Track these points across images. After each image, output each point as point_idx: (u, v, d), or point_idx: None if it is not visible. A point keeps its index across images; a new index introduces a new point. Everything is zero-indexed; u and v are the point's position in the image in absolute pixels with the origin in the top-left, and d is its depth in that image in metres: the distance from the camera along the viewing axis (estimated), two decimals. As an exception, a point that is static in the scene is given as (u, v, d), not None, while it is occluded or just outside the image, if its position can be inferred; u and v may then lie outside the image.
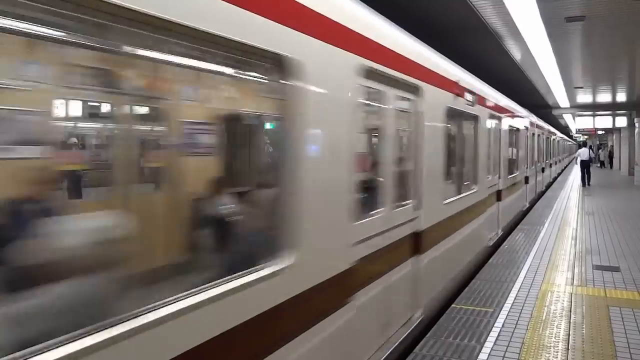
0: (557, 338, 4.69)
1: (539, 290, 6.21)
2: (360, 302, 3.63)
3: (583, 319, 5.21)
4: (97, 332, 1.75)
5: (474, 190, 7.43)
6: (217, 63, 2.60)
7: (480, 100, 7.73)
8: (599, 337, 4.72)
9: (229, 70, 2.78)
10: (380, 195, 4.17)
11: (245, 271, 2.49)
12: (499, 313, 5.36)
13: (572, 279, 6.75)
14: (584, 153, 22.66)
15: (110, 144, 2.67)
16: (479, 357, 4.28)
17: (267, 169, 3.51)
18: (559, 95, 20.62)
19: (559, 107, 26.11)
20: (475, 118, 7.60)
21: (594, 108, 25.83)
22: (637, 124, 24.65)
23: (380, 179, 4.20)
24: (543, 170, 19.26)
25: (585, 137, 52.33)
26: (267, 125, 3.63)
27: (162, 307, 2.01)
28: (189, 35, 2.17)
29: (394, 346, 4.32)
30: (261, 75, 2.90)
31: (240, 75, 2.90)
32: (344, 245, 3.42)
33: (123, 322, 1.84)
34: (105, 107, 3.36)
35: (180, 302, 2.08)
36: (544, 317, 5.23)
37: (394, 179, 4.37)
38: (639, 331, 4.88)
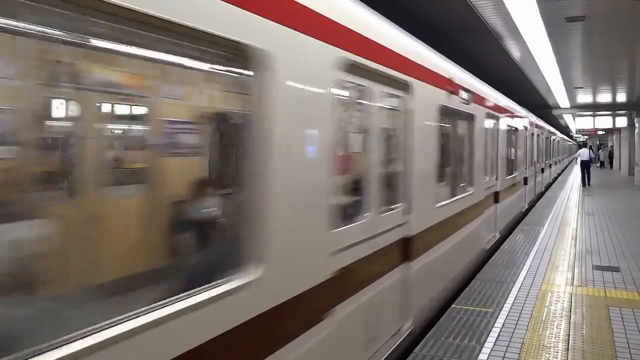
0: (557, 338, 4.69)
1: (539, 290, 6.21)
2: (341, 316, 3.35)
3: (583, 319, 5.20)
4: None
5: (470, 192, 7.17)
6: (168, 52, 2.28)
7: (477, 98, 7.51)
8: (599, 338, 4.71)
9: (181, 61, 2.45)
10: (365, 199, 3.90)
11: (198, 289, 2.18)
12: (499, 313, 5.35)
13: (572, 279, 6.75)
14: (584, 153, 22.73)
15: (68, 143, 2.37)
16: (479, 358, 4.28)
17: (230, 171, 3.15)
18: (559, 95, 20.62)
19: (559, 107, 26.10)
20: (471, 117, 7.35)
21: (594, 108, 25.84)
22: (637, 124, 24.67)
23: (366, 182, 3.93)
24: (542, 170, 19.12)
25: (585, 137, 52.41)
26: (230, 123, 3.24)
27: (99, 331, 1.75)
28: (131, 19, 1.88)
29: None
30: (221, 67, 2.59)
31: (194, 67, 2.56)
32: (322, 255, 3.12)
33: (52, 349, 1.60)
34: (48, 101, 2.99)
35: (117, 326, 1.81)
36: (544, 318, 5.23)
37: (381, 182, 4.10)
38: (639, 331, 4.88)
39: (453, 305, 5.61)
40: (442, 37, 9.15)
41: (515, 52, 11.80)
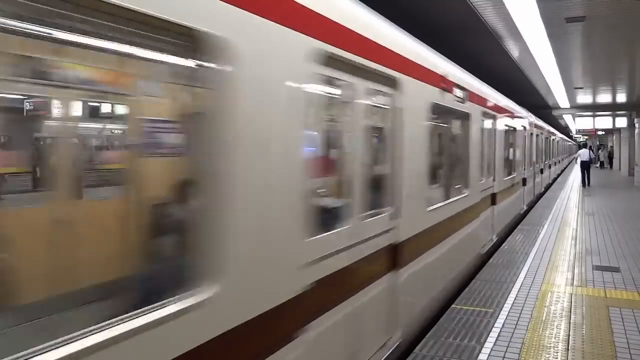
0: (557, 338, 4.68)
1: (539, 290, 6.21)
2: (317, 333, 3.05)
3: (583, 319, 5.20)
4: None
5: (465, 194, 6.88)
6: (99, 37, 2.01)
7: (472, 97, 7.21)
8: (599, 338, 4.71)
9: (117, 47, 2.15)
10: (347, 203, 3.60)
11: (132, 314, 1.86)
12: (499, 313, 5.35)
13: (572, 279, 6.74)
14: (584, 154, 22.82)
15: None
16: (479, 358, 4.27)
17: (179, 173, 2.84)
18: (559, 95, 20.63)
19: (559, 108, 26.11)
20: (466, 116, 7.04)
21: (594, 108, 25.85)
22: (637, 125, 24.69)
23: (348, 185, 3.64)
24: (542, 171, 18.98)
25: (585, 137, 52.42)
26: (177, 120, 2.94)
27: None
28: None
29: None
30: (163, 56, 2.31)
31: (133, 54, 2.26)
32: (293, 267, 2.81)
33: None
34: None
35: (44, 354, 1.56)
36: (544, 318, 5.22)
37: (365, 185, 3.79)
38: (639, 331, 4.88)
39: (453, 306, 5.61)
40: (442, 37, 9.14)
41: (515, 53, 11.81)
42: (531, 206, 14.61)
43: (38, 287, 2.18)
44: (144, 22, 1.89)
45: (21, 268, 2.20)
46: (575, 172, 30.24)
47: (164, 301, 1.98)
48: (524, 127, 13.32)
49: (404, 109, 4.39)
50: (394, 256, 4.27)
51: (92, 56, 2.27)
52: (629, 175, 26.73)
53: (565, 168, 39.59)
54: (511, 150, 11.56)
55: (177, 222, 2.56)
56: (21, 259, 2.17)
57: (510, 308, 5.53)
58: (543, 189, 19.60)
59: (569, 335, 4.76)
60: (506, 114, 10.42)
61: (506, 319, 5.19)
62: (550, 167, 23.48)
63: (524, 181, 13.39)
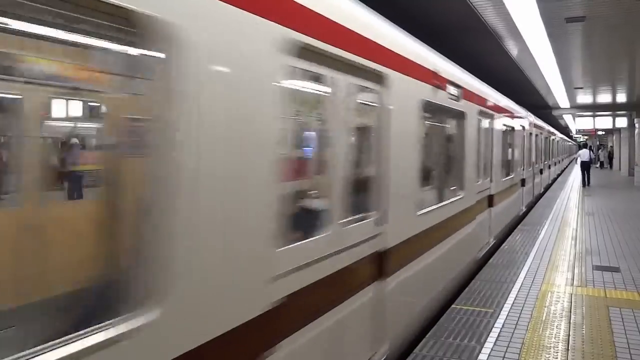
0: (557, 338, 4.68)
1: (539, 290, 6.21)
2: (289, 352, 2.78)
3: (583, 319, 5.20)
4: None
5: (460, 196, 6.60)
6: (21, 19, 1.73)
7: (468, 94, 6.89)
8: (599, 338, 4.71)
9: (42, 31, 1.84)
10: (324, 209, 3.32)
11: (53, 343, 1.58)
12: (499, 313, 5.35)
13: (572, 279, 6.74)
14: (584, 154, 22.89)
15: None
16: (479, 358, 4.27)
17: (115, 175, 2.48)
18: (559, 95, 20.65)
19: (559, 108, 26.14)
20: (461, 115, 6.73)
21: (594, 109, 25.88)
22: (637, 125, 24.71)
23: (326, 189, 3.36)
24: (541, 171, 18.85)
25: (586, 137, 52.43)
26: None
27: None
28: None
29: None
30: (96, 41, 2.00)
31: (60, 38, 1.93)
32: (260, 280, 2.51)
33: None
34: None
35: None
36: (544, 318, 5.22)
37: (346, 188, 3.49)
38: (639, 332, 4.88)
39: (453, 306, 5.61)
40: (441, 37, 9.15)
41: (515, 53, 11.82)
42: (530, 207, 14.48)
43: None
44: (70, 1, 1.67)
45: None
46: (575, 173, 30.26)
47: (88, 329, 1.66)
48: (523, 127, 13.13)
49: (392, 106, 4.12)
50: (380, 264, 3.98)
51: (9, 39, 1.92)
52: (629, 175, 26.76)
53: (565, 168, 39.58)
54: (509, 150, 11.39)
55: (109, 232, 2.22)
56: None
57: (510, 308, 5.53)
58: (542, 190, 19.53)
59: (569, 335, 4.76)
60: (504, 114, 10.18)
61: (506, 319, 5.19)
62: (550, 167, 23.40)
63: (523, 182, 13.23)
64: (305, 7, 2.87)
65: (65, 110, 2.74)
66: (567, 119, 34.72)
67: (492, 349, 4.44)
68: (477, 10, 8.30)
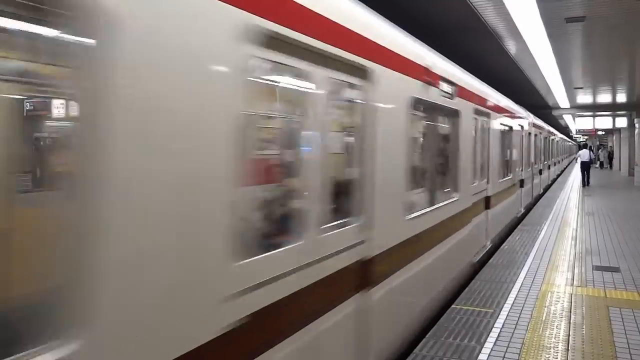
0: (557, 338, 4.68)
1: (538, 290, 6.21)
2: None
3: (583, 319, 5.20)
4: None
5: (455, 198, 6.32)
6: None
7: (463, 92, 6.61)
8: (599, 338, 4.71)
9: None
10: (297, 215, 3.01)
11: None
12: (499, 313, 5.35)
13: (572, 279, 6.74)
14: (584, 154, 22.95)
15: None
16: (479, 358, 4.27)
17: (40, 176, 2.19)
18: (559, 95, 20.66)
19: (559, 108, 26.15)
20: (455, 113, 6.44)
21: (594, 109, 25.90)
22: (637, 125, 24.72)
23: (299, 194, 3.07)
24: (541, 172, 18.67)
25: (586, 137, 52.46)
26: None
27: None
28: None
29: None
30: (20, 23, 1.75)
31: None
32: (213, 299, 2.20)
33: None
34: None
35: None
36: (544, 318, 5.22)
37: (324, 192, 3.18)
38: (639, 332, 4.88)
39: (453, 306, 5.61)
40: (441, 37, 9.16)
41: (515, 53, 11.82)
42: (529, 209, 14.31)
43: None
44: None
45: None
46: (575, 173, 30.27)
47: None
48: (522, 127, 12.95)
49: (377, 103, 3.84)
50: (364, 274, 3.69)
51: None
52: (629, 176, 26.77)
53: (565, 169, 39.55)
54: (508, 150, 11.17)
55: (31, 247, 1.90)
56: None
57: (510, 308, 5.53)
58: (542, 191, 19.43)
59: (569, 336, 4.76)
60: (502, 113, 9.88)
61: (506, 319, 5.19)
62: (549, 167, 23.31)
63: (522, 183, 13.08)
64: None
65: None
66: (567, 119, 34.74)
67: (492, 349, 4.43)
68: (477, 10, 8.31)
